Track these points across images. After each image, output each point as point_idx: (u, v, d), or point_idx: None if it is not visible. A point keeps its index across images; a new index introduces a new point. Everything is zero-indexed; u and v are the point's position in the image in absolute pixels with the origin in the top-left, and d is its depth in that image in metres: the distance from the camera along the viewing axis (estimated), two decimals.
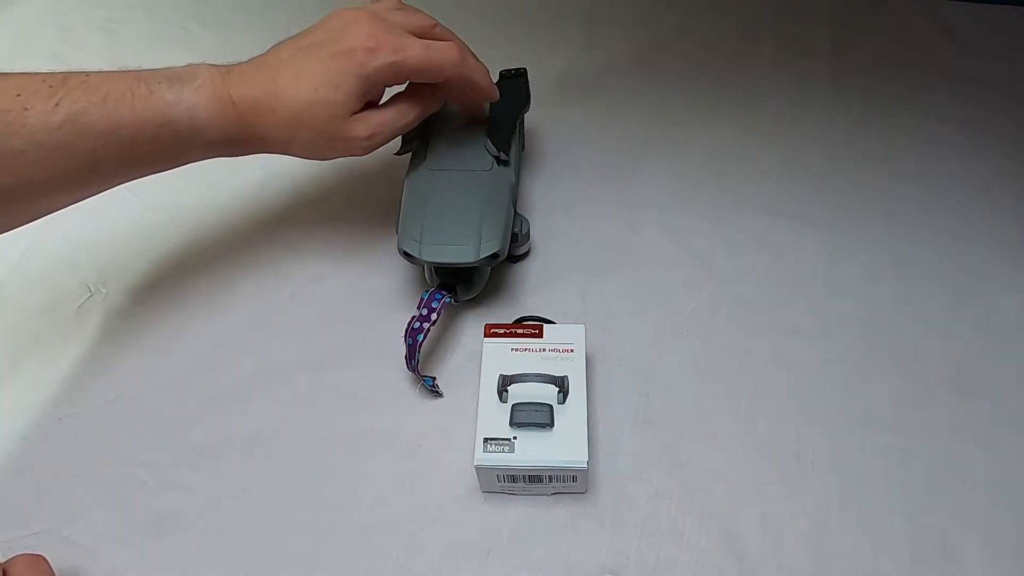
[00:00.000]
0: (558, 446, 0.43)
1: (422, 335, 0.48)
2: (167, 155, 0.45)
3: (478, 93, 0.51)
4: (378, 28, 0.45)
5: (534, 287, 0.54)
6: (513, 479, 0.44)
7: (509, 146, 0.53)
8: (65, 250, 0.57)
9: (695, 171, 0.60)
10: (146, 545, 0.45)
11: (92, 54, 0.71)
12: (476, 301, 0.53)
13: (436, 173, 0.52)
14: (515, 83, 0.57)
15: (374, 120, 0.47)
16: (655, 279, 0.54)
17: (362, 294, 0.54)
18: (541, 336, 0.48)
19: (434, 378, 0.49)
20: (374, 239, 0.56)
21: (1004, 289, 0.53)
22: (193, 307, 0.54)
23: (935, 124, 0.62)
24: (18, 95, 0.41)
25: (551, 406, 0.44)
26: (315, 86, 0.44)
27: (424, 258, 0.48)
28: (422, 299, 0.49)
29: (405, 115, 0.48)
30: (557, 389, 0.45)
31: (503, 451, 0.43)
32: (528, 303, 0.54)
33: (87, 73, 0.43)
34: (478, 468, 0.43)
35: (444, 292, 0.49)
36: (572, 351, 0.47)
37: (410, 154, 0.54)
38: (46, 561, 0.40)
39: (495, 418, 0.44)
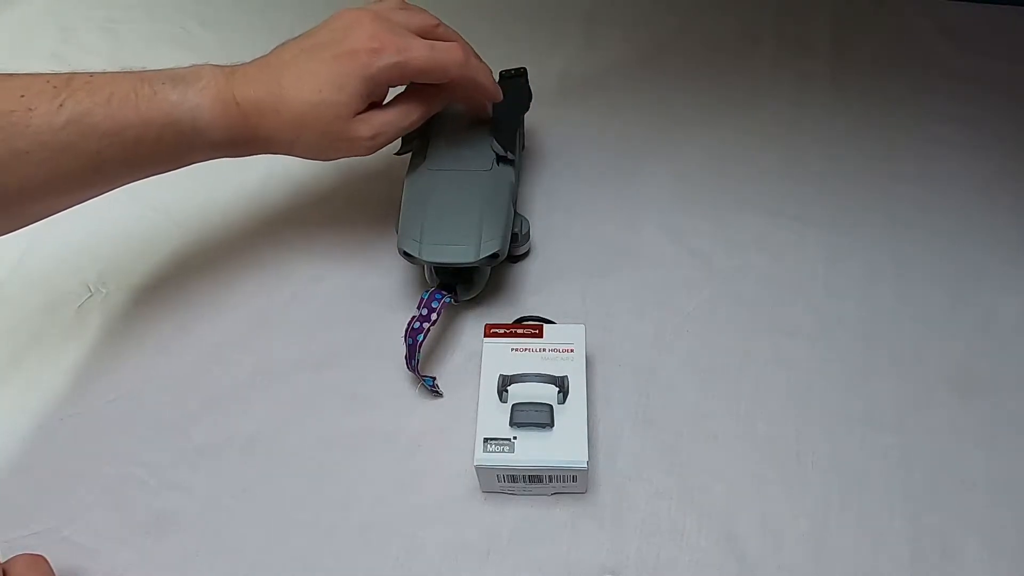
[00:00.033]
0: (558, 446, 0.43)
1: (422, 335, 0.48)
2: (171, 156, 0.45)
3: (482, 94, 0.51)
4: (381, 29, 0.45)
5: (534, 287, 0.54)
6: (513, 479, 0.44)
7: (515, 145, 0.53)
8: (65, 250, 0.57)
9: (695, 171, 0.60)
10: (146, 545, 0.45)
11: (92, 54, 0.71)
12: (476, 301, 0.53)
13: (436, 173, 0.52)
14: (516, 83, 0.57)
15: (378, 120, 0.47)
16: (655, 279, 0.54)
17: (362, 294, 0.54)
18: (541, 336, 0.48)
19: (434, 378, 0.49)
20: (374, 239, 0.56)
21: (1004, 289, 0.53)
22: (193, 307, 0.54)
23: (935, 124, 0.62)
24: (22, 96, 0.41)
25: (551, 406, 0.44)
26: (319, 87, 0.44)
27: (424, 258, 0.48)
28: (422, 299, 0.49)
29: (408, 115, 0.48)
30: (557, 389, 0.45)
31: (503, 451, 0.43)
32: (528, 303, 0.54)
33: (91, 74, 0.43)
34: (478, 468, 0.43)
35: (444, 292, 0.49)
36: (572, 351, 0.47)
37: (410, 154, 0.54)
38: (46, 561, 0.40)
39: (495, 418, 0.44)
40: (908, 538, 0.44)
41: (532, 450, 0.43)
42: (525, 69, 0.58)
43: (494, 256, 0.49)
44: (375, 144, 0.48)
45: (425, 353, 0.50)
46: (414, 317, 0.49)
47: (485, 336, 0.48)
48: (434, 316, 0.48)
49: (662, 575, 0.43)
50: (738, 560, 0.43)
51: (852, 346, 0.51)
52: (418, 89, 0.49)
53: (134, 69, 0.45)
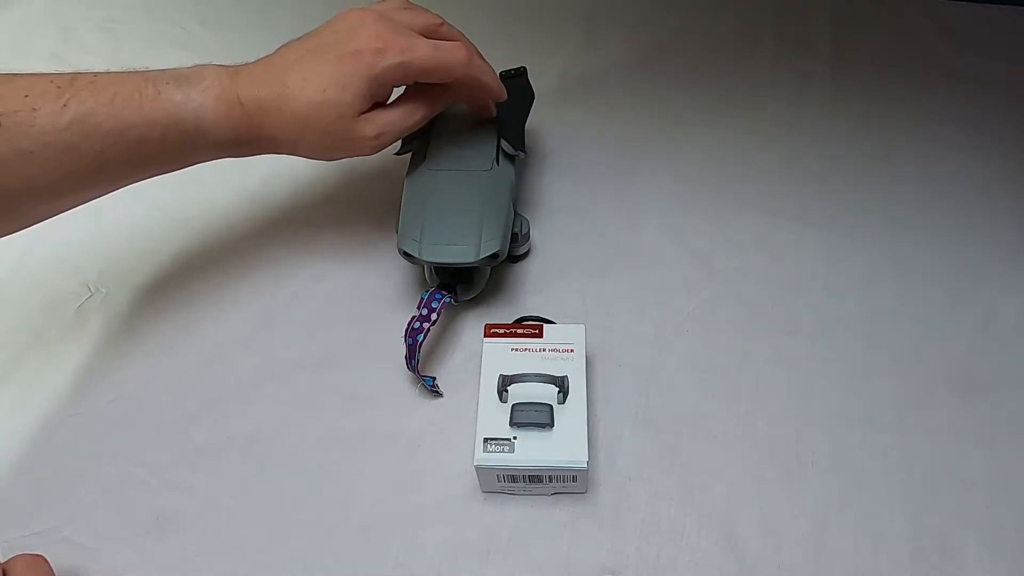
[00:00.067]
0: (558, 446, 0.43)
1: (422, 335, 0.48)
2: (174, 156, 0.45)
3: (486, 93, 0.51)
4: (385, 28, 0.45)
5: (534, 287, 0.54)
6: (513, 479, 0.44)
7: (523, 143, 0.53)
8: (65, 250, 0.57)
9: (695, 171, 0.60)
10: (146, 545, 0.45)
11: (92, 54, 0.71)
12: (476, 301, 0.53)
13: (436, 173, 0.52)
14: (517, 82, 0.57)
15: (381, 120, 0.47)
16: (655, 279, 0.54)
17: (362, 294, 0.54)
18: (541, 336, 0.48)
19: (434, 378, 0.49)
20: (374, 239, 0.56)
21: (1004, 289, 0.53)
22: (193, 307, 0.54)
23: (935, 124, 0.62)
24: (26, 96, 0.41)
25: (551, 406, 0.44)
26: (323, 87, 0.45)
27: (424, 258, 0.48)
28: (422, 299, 0.49)
29: (412, 115, 0.48)
30: (557, 389, 0.45)
31: (503, 451, 0.43)
32: (528, 303, 0.54)
33: (95, 74, 0.43)
34: (478, 468, 0.43)
35: (444, 292, 0.49)
36: (572, 351, 0.47)
37: (410, 154, 0.54)
38: (46, 561, 0.40)
39: (495, 418, 0.44)
40: (908, 538, 0.44)
41: (532, 450, 0.43)
42: (525, 68, 0.58)
43: (494, 256, 0.49)
44: (379, 144, 0.48)
45: (425, 353, 0.50)
46: (414, 317, 0.49)
47: (485, 336, 0.48)
48: (434, 316, 0.48)
49: (662, 575, 0.43)
50: (738, 560, 0.43)
51: (852, 346, 0.51)
52: (422, 89, 0.49)
53: (135, 69, 0.45)
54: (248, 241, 0.58)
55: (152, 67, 0.45)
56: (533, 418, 0.44)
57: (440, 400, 0.49)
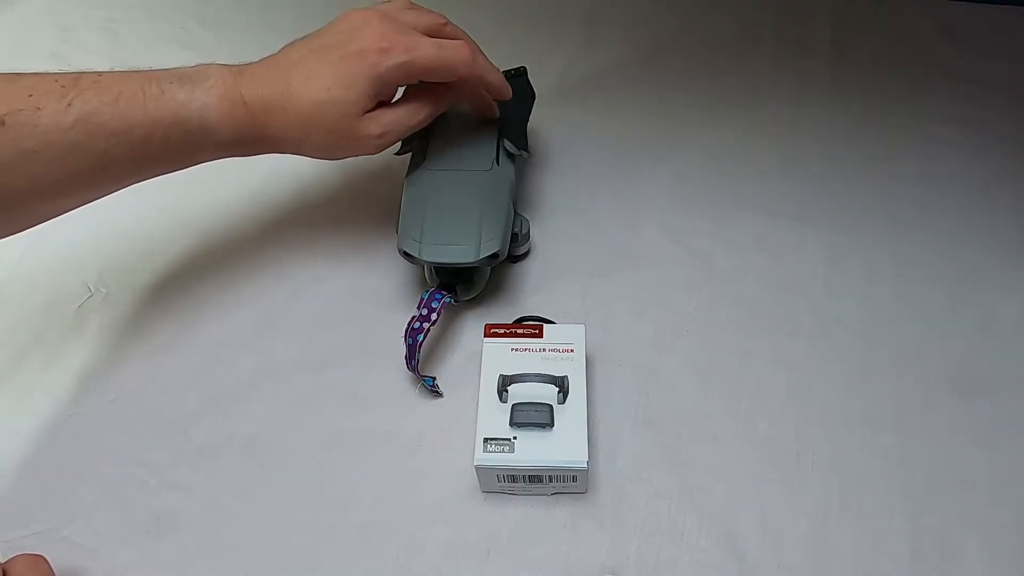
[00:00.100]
0: (558, 446, 0.43)
1: (422, 335, 0.48)
2: (178, 155, 0.45)
3: (491, 91, 0.51)
4: (390, 28, 0.46)
5: (534, 287, 0.54)
6: (513, 479, 0.44)
7: (526, 142, 0.53)
8: (65, 250, 0.57)
9: (695, 171, 0.60)
10: (146, 545, 0.45)
11: (92, 54, 0.71)
12: (476, 301, 0.53)
13: (436, 173, 0.52)
14: (517, 82, 0.57)
15: (385, 119, 0.47)
16: (655, 279, 0.54)
17: (362, 294, 0.54)
18: (541, 336, 0.48)
19: (434, 378, 0.49)
20: (374, 239, 0.56)
21: (1004, 289, 0.53)
22: (194, 307, 0.54)
23: (935, 124, 0.62)
24: (30, 95, 0.41)
25: (551, 406, 0.44)
26: (327, 86, 0.45)
27: (424, 258, 0.48)
28: (422, 299, 0.49)
29: (416, 114, 0.48)
30: (557, 389, 0.45)
31: (503, 451, 0.43)
32: (528, 303, 0.54)
33: (99, 73, 0.43)
34: (478, 468, 0.43)
35: (444, 292, 0.49)
36: (572, 351, 0.47)
37: (410, 154, 0.54)
38: (46, 561, 0.40)
39: (495, 418, 0.44)
40: (908, 538, 0.44)
41: (532, 450, 0.43)
42: (525, 68, 0.58)
43: (494, 256, 0.49)
44: (383, 142, 0.48)
45: (425, 353, 0.50)
46: (414, 317, 0.49)
47: (485, 336, 0.48)
48: (434, 316, 0.48)
49: (662, 575, 0.43)
50: (738, 560, 0.43)
51: (852, 346, 0.51)
52: (426, 88, 0.49)
53: (136, 69, 0.45)
54: (248, 241, 0.58)
55: (152, 67, 0.45)
56: (533, 418, 0.44)
57: (440, 400, 0.49)
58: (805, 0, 0.72)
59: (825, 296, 0.53)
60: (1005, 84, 0.64)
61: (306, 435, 0.48)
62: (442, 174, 0.51)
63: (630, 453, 0.47)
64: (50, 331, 0.54)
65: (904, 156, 0.61)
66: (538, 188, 0.60)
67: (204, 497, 0.46)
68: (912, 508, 0.44)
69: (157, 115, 0.43)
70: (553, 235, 0.57)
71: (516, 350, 0.47)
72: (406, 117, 0.48)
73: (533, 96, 0.57)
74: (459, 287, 0.51)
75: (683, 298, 0.53)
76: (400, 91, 0.50)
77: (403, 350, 0.48)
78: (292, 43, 0.47)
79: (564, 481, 0.44)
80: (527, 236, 0.54)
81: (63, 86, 0.41)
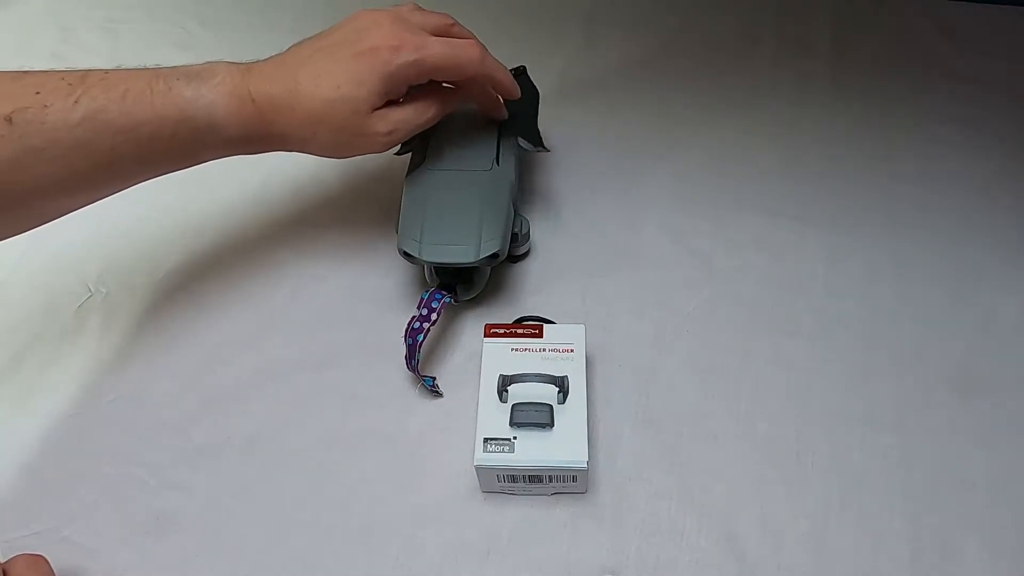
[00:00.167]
0: (558, 446, 0.43)
1: (422, 335, 0.48)
2: (185, 153, 0.45)
3: (499, 91, 0.51)
4: (400, 28, 0.46)
5: (534, 287, 0.54)
6: (513, 479, 0.44)
7: (540, 137, 0.54)
8: (65, 250, 0.57)
9: (695, 171, 0.60)
10: (146, 545, 0.45)
11: (92, 54, 0.71)
12: (476, 301, 0.53)
13: (436, 173, 0.52)
14: (519, 80, 0.57)
15: (394, 116, 0.47)
16: (655, 279, 0.54)
17: (362, 294, 0.54)
18: (541, 336, 0.48)
19: (434, 378, 0.49)
20: (374, 239, 0.56)
21: (1004, 289, 0.53)
22: (193, 307, 0.54)
23: (935, 124, 0.62)
24: (37, 92, 0.40)
25: (551, 406, 0.44)
26: (337, 84, 0.45)
27: (424, 258, 0.48)
28: (422, 299, 0.49)
29: (424, 112, 0.49)
30: (557, 389, 0.45)
31: (503, 451, 0.43)
32: (528, 303, 0.54)
33: (105, 71, 0.43)
34: (478, 468, 0.43)
35: (444, 292, 0.49)
36: (572, 351, 0.47)
37: (410, 154, 0.54)
38: (46, 561, 0.40)
39: (495, 418, 0.44)
40: (908, 538, 0.44)
41: (532, 450, 0.43)
42: (524, 67, 0.58)
43: (494, 256, 0.49)
44: (391, 140, 0.48)
45: (425, 353, 0.50)
46: (414, 317, 0.49)
47: (485, 336, 0.48)
48: (434, 316, 0.48)
49: (662, 575, 0.43)
50: (738, 560, 0.43)
51: (852, 346, 0.51)
52: (433, 88, 0.49)
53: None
54: (248, 241, 0.58)
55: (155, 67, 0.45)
56: (533, 418, 0.44)
57: (440, 400, 0.49)
58: (805, 0, 0.72)
59: (825, 296, 0.53)
60: (1005, 84, 0.64)
61: (306, 435, 0.48)
62: (442, 174, 0.51)
63: (630, 453, 0.47)
64: (50, 331, 0.54)
65: (904, 156, 0.61)
66: (538, 188, 0.60)
67: (204, 497, 0.46)
68: (912, 508, 0.45)
69: (164, 112, 0.43)
70: (553, 235, 0.57)
71: (516, 350, 0.47)
72: (414, 116, 0.48)
73: (537, 93, 0.57)
74: (459, 287, 0.51)
75: (683, 298, 0.53)
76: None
77: (403, 350, 0.48)
78: (300, 42, 0.47)
79: (564, 481, 0.44)
80: (527, 236, 0.54)
81: (70, 83, 0.41)
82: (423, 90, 0.49)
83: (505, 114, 0.54)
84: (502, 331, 0.48)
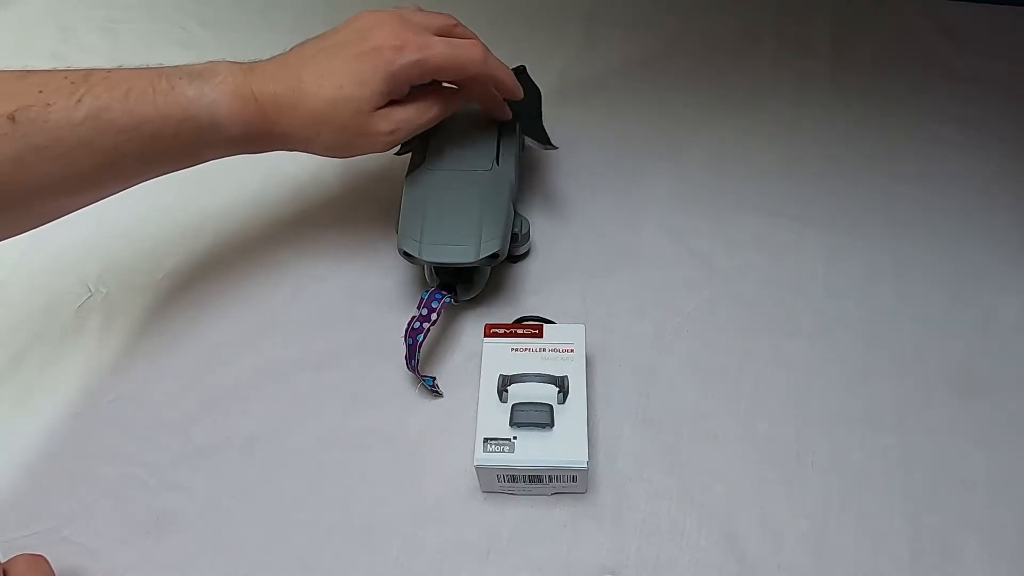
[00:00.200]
0: (558, 446, 0.43)
1: (422, 335, 0.48)
2: (187, 152, 0.45)
3: (502, 90, 0.51)
4: (403, 28, 0.46)
5: (534, 287, 0.54)
6: (513, 479, 0.44)
7: (546, 135, 0.54)
8: (65, 250, 0.57)
9: (695, 171, 0.60)
10: (146, 545, 0.45)
11: (92, 54, 0.71)
12: (476, 301, 0.53)
13: (436, 173, 0.52)
14: (520, 80, 0.57)
15: (396, 116, 0.47)
16: (655, 279, 0.54)
17: (362, 294, 0.54)
18: (541, 336, 0.48)
19: (434, 378, 0.49)
20: (374, 239, 0.56)
21: (1004, 289, 0.53)
22: (194, 307, 0.54)
23: (935, 124, 0.62)
24: (40, 91, 0.40)
25: (551, 406, 0.44)
26: (340, 83, 0.45)
27: (424, 258, 0.48)
28: (422, 299, 0.49)
29: (426, 112, 0.49)
30: (557, 389, 0.45)
31: (503, 451, 0.43)
32: (528, 303, 0.54)
33: (108, 70, 0.43)
34: (478, 468, 0.43)
35: (444, 292, 0.49)
36: (572, 351, 0.47)
37: (410, 154, 0.54)
38: (46, 561, 0.40)
39: (495, 418, 0.44)
40: (908, 538, 0.44)
41: (532, 450, 0.43)
42: (524, 67, 0.58)
43: (494, 256, 0.49)
44: (393, 140, 0.48)
45: (425, 353, 0.50)
46: (414, 317, 0.49)
47: (485, 336, 0.48)
48: (434, 316, 0.48)
49: (662, 575, 0.43)
50: (738, 560, 0.43)
51: (852, 346, 0.51)
52: (437, 87, 0.49)
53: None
54: (248, 241, 0.58)
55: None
56: (533, 418, 0.44)
57: (440, 400, 0.49)
58: (805, 0, 0.72)
59: (825, 296, 0.53)
60: (1005, 84, 0.64)
61: (306, 435, 0.48)
62: (442, 174, 0.51)
63: (630, 453, 0.47)
64: (50, 331, 0.54)
65: (904, 156, 0.61)
66: (538, 188, 0.60)
67: (204, 497, 0.46)
68: (912, 508, 0.45)
69: (167, 111, 0.43)
70: (553, 235, 0.57)
71: (516, 350, 0.47)
72: (416, 115, 0.48)
73: (539, 92, 0.57)
74: (459, 287, 0.51)
75: (683, 298, 0.53)
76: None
77: (403, 350, 0.48)
78: (302, 42, 0.48)
79: (564, 481, 0.44)
80: (527, 236, 0.54)
81: (73, 82, 0.41)
82: (425, 90, 0.49)
83: (509, 114, 0.54)
84: (502, 331, 0.48)
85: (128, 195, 0.47)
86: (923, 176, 0.59)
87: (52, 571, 0.40)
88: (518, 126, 0.55)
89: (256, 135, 0.46)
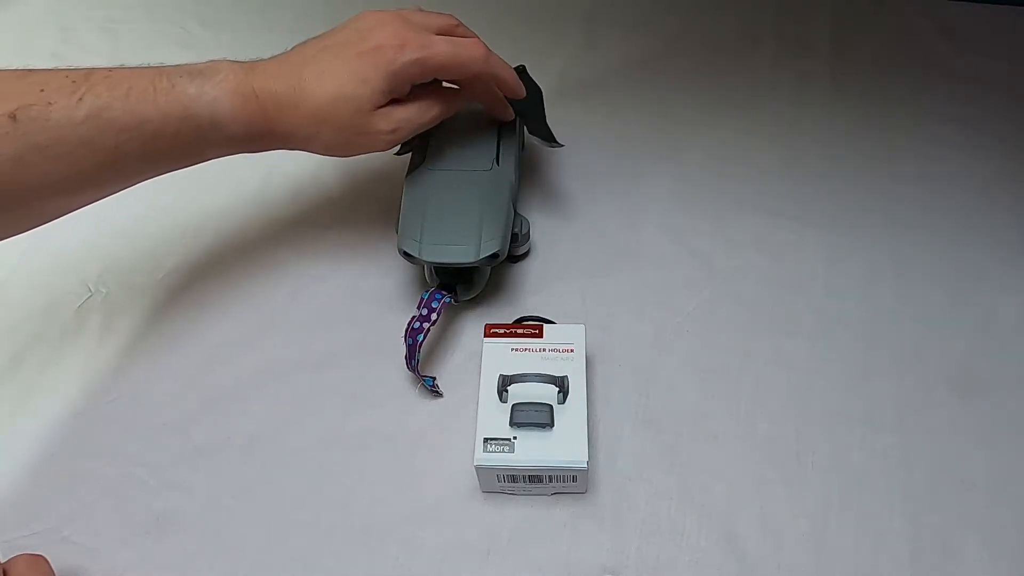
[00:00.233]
0: (558, 446, 0.43)
1: (422, 335, 0.48)
2: (188, 150, 0.45)
3: (504, 90, 0.51)
4: (405, 27, 0.46)
5: (534, 287, 0.54)
6: (513, 479, 0.44)
7: (551, 134, 0.54)
8: (65, 250, 0.57)
9: (695, 171, 0.60)
10: (146, 545, 0.45)
11: (92, 54, 0.71)
12: (476, 301, 0.53)
13: (436, 173, 0.52)
14: (521, 79, 0.57)
15: (397, 115, 0.47)
16: (655, 279, 0.54)
17: (362, 294, 0.54)
18: (541, 336, 0.48)
19: (434, 378, 0.49)
20: (374, 239, 0.56)
21: (1004, 289, 0.53)
22: (193, 307, 0.54)
23: (935, 124, 0.62)
24: (41, 90, 0.40)
25: (551, 406, 0.44)
26: (341, 82, 0.45)
27: (424, 258, 0.48)
28: (422, 299, 0.49)
29: (427, 111, 0.49)
30: (557, 389, 0.45)
31: (503, 451, 0.43)
32: (528, 303, 0.54)
33: (109, 69, 0.43)
34: (478, 468, 0.43)
35: (444, 292, 0.49)
36: (572, 351, 0.47)
37: (410, 154, 0.54)
38: (46, 561, 0.40)
39: (495, 418, 0.44)
40: (908, 538, 0.44)
41: (532, 450, 0.43)
42: (524, 66, 0.58)
43: (494, 256, 0.49)
44: (394, 139, 0.48)
45: (425, 353, 0.50)
46: (414, 317, 0.49)
47: (485, 336, 0.48)
48: (434, 316, 0.48)
49: (662, 575, 0.43)
50: (738, 560, 0.43)
51: (852, 346, 0.51)
52: (438, 87, 0.50)
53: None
54: (248, 241, 0.58)
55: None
56: (533, 418, 0.44)
57: (440, 400, 0.49)
58: (805, 0, 0.72)
59: (825, 296, 0.53)
60: (1005, 84, 0.64)
61: (306, 435, 0.48)
62: (442, 174, 0.51)
63: (630, 453, 0.47)
64: (50, 331, 0.54)
65: (904, 156, 0.61)
66: (538, 188, 0.60)
67: (204, 497, 0.46)
68: (912, 508, 0.45)
69: (168, 110, 0.43)
70: (553, 235, 0.57)
71: (516, 350, 0.47)
72: (417, 114, 0.48)
73: (540, 90, 0.57)
74: (459, 287, 0.51)
75: (683, 298, 0.53)
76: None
77: (403, 350, 0.48)
78: (304, 42, 0.48)
79: (564, 481, 0.44)
80: (527, 236, 0.54)
81: (74, 81, 0.41)
82: (427, 89, 0.49)
83: (511, 114, 0.54)
84: (502, 331, 0.48)
85: (128, 195, 0.47)
86: (923, 176, 0.59)
87: (52, 571, 0.40)
88: (521, 126, 0.55)
89: (257, 134, 0.46)
